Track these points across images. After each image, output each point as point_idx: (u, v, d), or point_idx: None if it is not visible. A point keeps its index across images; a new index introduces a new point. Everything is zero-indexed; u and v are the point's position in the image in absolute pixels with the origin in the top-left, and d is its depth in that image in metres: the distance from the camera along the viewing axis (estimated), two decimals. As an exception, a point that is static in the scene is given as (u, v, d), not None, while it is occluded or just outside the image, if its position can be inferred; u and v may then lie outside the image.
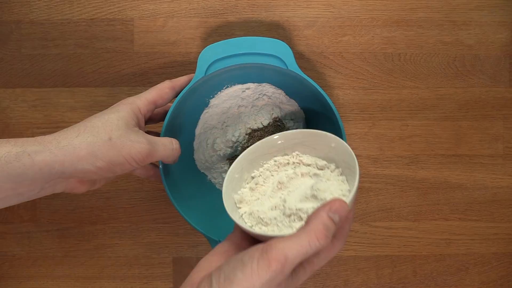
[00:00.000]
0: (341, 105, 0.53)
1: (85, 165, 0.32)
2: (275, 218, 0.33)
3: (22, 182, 0.30)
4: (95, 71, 0.52)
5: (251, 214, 0.35)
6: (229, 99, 0.48)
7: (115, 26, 0.52)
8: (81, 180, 0.35)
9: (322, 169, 0.37)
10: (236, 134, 0.47)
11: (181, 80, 0.42)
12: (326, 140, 0.37)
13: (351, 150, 0.34)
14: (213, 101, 0.48)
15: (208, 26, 0.52)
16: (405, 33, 0.53)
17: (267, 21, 0.52)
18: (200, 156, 0.49)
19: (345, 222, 0.30)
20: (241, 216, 0.36)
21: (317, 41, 0.53)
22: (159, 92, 0.40)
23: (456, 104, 0.54)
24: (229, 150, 0.48)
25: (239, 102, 0.48)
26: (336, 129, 0.45)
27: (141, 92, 0.52)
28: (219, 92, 0.48)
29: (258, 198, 0.37)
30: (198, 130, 0.49)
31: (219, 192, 0.39)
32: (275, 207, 0.34)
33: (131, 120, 0.35)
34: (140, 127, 0.37)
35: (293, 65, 0.43)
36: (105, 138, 0.33)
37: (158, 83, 0.52)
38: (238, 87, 0.47)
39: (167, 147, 0.36)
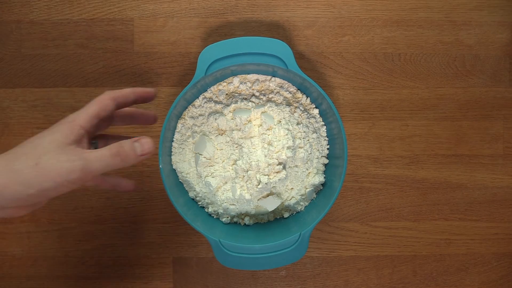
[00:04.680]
0: (341, 105, 0.53)
1: (15, 194, 0.31)
2: None
3: None
4: (95, 71, 0.52)
5: None
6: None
7: (115, 26, 0.52)
8: (17, 207, 0.34)
9: None
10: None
11: (123, 91, 0.40)
12: None
13: None
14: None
15: (208, 26, 0.52)
16: (405, 33, 0.53)
17: (267, 21, 0.52)
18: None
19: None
20: None
21: (317, 41, 0.53)
22: (99, 104, 0.38)
23: (456, 104, 0.54)
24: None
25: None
26: (336, 129, 0.45)
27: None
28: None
29: None
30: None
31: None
32: None
33: (66, 139, 0.34)
34: (82, 143, 0.36)
35: (293, 65, 0.43)
36: (31, 164, 0.32)
37: (158, 84, 0.52)
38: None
39: (104, 155, 0.35)
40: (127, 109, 0.42)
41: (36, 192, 0.32)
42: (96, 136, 0.41)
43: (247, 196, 0.45)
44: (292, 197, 0.48)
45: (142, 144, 0.37)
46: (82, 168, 0.33)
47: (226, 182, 0.46)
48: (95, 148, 0.38)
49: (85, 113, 0.37)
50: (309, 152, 0.47)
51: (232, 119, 0.46)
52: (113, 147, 0.36)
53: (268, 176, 0.44)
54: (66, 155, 0.33)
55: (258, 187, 0.44)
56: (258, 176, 0.44)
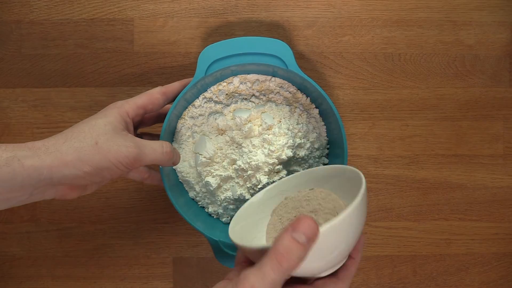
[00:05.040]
0: (341, 105, 0.53)
1: (72, 170, 0.32)
2: None
3: (11, 187, 0.30)
4: (95, 71, 0.52)
5: None
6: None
7: (115, 26, 0.52)
8: (71, 186, 0.35)
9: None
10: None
11: (173, 86, 0.42)
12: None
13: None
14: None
15: (208, 26, 0.52)
16: (405, 33, 0.53)
17: (267, 21, 0.52)
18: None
19: (351, 264, 0.33)
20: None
21: (317, 41, 0.53)
22: (149, 97, 0.39)
23: (456, 104, 0.54)
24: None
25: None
26: (336, 130, 0.45)
27: (141, 92, 0.52)
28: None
29: None
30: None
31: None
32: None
33: (119, 124, 0.35)
34: (129, 131, 0.37)
35: (293, 65, 0.43)
36: (91, 143, 0.33)
37: (158, 84, 0.52)
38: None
39: (156, 150, 0.36)
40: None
41: (93, 170, 0.32)
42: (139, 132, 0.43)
43: (247, 196, 0.45)
44: None
45: (178, 155, 0.40)
46: (135, 156, 0.34)
47: (226, 182, 0.46)
48: None
49: (133, 102, 0.38)
50: (309, 152, 0.47)
51: (232, 119, 0.46)
52: (166, 146, 0.37)
53: (268, 176, 0.44)
54: (122, 139, 0.34)
55: (258, 187, 0.44)
56: (258, 176, 0.44)
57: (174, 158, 0.39)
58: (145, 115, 0.40)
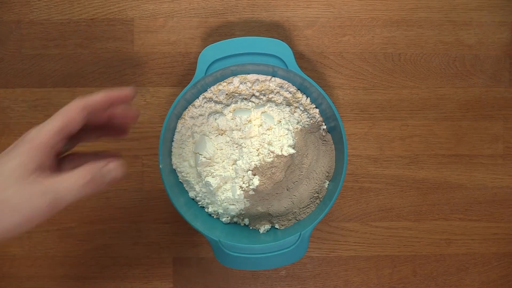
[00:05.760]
0: (341, 105, 0.53)
1: None
2: None
3: None
4: (95, 71, 0.52)
5: None
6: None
7: (115, 26, 0.52)
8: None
9: None
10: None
11: (95, 98, 0.33)
12: None
13: None
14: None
15: (208, 26, 0.52)
16: (405, 33, 0.53)
17: (267, 21, 0.52)
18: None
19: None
20: None
21: (317, 41, 0.53)
22: (66, 117, 0.32)
23: (456, 104, 0.54)
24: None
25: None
26: (336, 129, 0.45)
27: (140, 92, 0.52)
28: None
29: None
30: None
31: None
32: None
33: (30, 164, 0.30)
34: (45, 167, 0.31)
35: (293, 65, 0.43)
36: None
37: (158, 83, 0.52)
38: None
39: (72, 187, 0.31)
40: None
41: (15, 228, 0.29)
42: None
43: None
44: None
45: (115, 169, 0.33)
46: (50, 204, 0.30)
47: (226, 182, 0.46)
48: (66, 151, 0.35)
49: (46, 130, 0.32)
50: None
51: (232, 119, 0.46)
52: (86, 174, 0.32)
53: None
54: (30, 188, 0.30)
55: (251, 187, 0.44)
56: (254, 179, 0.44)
57: (113, 174, 0.33)
58: (71, 135, 0.33)
